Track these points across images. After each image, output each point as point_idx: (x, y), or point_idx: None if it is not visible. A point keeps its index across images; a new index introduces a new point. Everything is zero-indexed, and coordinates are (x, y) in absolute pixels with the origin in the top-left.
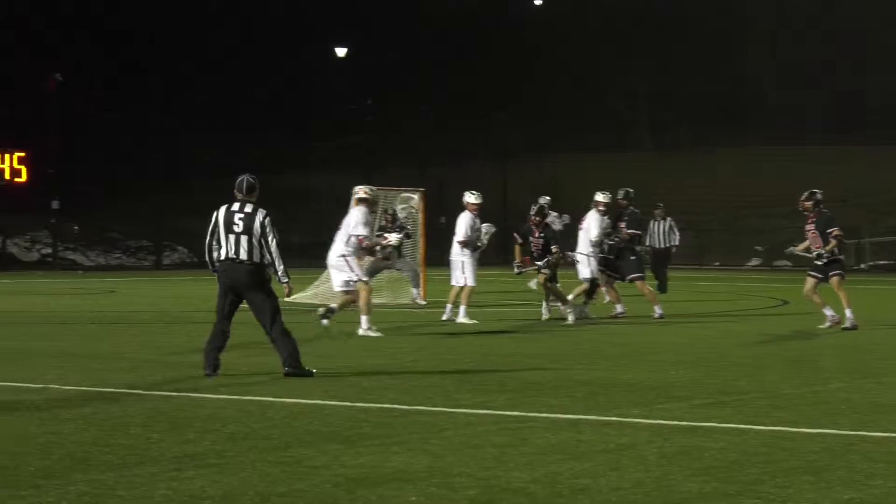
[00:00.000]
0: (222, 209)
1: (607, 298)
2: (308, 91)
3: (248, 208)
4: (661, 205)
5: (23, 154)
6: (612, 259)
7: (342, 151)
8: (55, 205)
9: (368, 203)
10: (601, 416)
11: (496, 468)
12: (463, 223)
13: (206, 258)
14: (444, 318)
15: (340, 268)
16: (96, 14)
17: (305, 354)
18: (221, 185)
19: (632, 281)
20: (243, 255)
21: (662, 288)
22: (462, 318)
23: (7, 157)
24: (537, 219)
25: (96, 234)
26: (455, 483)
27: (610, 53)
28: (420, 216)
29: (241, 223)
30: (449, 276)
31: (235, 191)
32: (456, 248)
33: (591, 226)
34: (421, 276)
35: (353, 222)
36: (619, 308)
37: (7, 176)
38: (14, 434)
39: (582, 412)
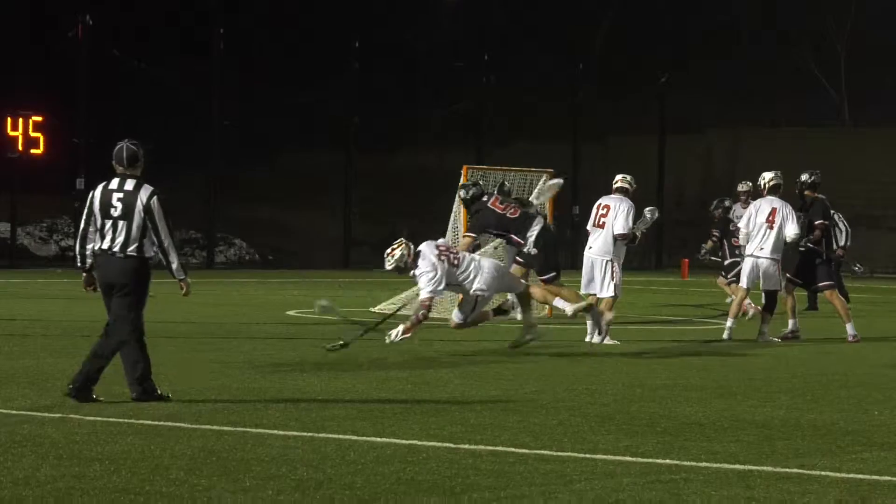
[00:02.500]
0: (99, 188)
1: (750, 313)
2: (411, 45)
3: (130, 185)
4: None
5: (40, 119)
6: (800, 264)
7: (451, 120)
8: (80, 184)
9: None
10: (779, 468)
11: None
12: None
13: (77, 252)
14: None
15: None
16: None
17: (398, 379)
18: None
19: (818, 291)
20: (117, 247)
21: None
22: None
23: (20, 122)
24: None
25: None
26: None
27: None
28: (548, 208)
29: (119, 205)
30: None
31: (114, 162)
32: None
33: (788, 219)
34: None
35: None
36: (791, 325)
37: (20, 147)
38: (23, 477)
39: (754, 462)
